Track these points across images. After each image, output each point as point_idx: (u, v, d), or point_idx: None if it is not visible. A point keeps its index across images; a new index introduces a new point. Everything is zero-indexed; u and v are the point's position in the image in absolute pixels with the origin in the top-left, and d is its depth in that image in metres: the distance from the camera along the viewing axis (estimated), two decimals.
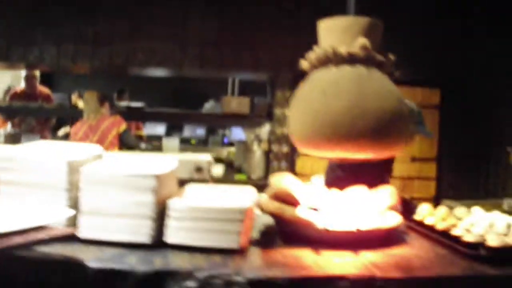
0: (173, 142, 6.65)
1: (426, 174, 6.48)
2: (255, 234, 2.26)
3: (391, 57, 2.25)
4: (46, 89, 7.97)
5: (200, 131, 9.32)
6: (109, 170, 2.06)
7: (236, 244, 1.97)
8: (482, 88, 6.38)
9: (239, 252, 1.98)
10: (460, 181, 6.46)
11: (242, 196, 2.20)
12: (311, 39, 2.39)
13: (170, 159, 2.33)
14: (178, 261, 1.87)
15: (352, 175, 3.15)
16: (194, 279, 1.77)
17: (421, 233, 2.39)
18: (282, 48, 6.18)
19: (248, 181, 5.92)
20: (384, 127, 2.04)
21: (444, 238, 2.22)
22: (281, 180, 2.39)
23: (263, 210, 2.21)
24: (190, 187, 2.39)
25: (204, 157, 2.83)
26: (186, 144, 8.54)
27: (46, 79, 9.36)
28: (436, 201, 5.98)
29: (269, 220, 2.34)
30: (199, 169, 2.76)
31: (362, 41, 2.10)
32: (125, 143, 5.93)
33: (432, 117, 6.42)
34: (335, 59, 2.11)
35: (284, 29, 6.23)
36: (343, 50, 2.10)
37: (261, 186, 2.80)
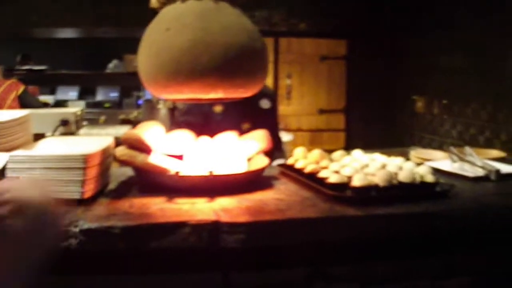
0: (78, 105, 6.44)
1: (335, 126, 6.46)
2: (113, 185, 2.14)
3: None
4: None
5: (114, 94, 9.03)
6: None
7: (78, 194, 1.83)
8: (388, 38, 6.37)
9: (83, 202, 1.84)
10: (369, 131, 6.48)
11: (94, 144, 2.05)
12: None
13: (22, 112, 2.17)
14: None
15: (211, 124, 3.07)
16: None
17: (291, 177, 2.29)
18: None
19: None
20: (232, 63, 1.91)
21: (310, 181, 2.13)
22: (145, 130, 2.25)
23: (115, 158, 2.07)
24: (46, 140, 2.22)
25: (71, 110, 2.67)
26: (99, 108, 8.29)
27: None
28: None
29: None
30: (65, 122, 2.59)
31: None
32: (26, 105, 5.66)
33: (338, 68, 6.39)
34: None
35: None
36: None
37: None
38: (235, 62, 1.92)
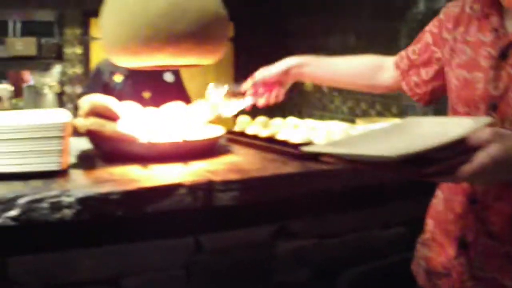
0: None
1: None
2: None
3: None
4: None
5: None
6: None
7: (57, 165, 1.77)
8: (275, 19, 6.50)
9: (61, 174, 1.78)
10: (258, 111, 6.59)
11: (54, 115, 1.97)
12: None
13: None
14: None
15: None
16: (15, 207, 1.55)
17: (244, 143, 2.35)
18: None
19: None
20: (206, 29, 1.94)
21: (270, 144, 2.20)
22: (94, 99, 2.18)
23: (78, 129, 2.01)
24: None
25: (3, 86, 2.54)
26: None
27: None
28: None
29: (82, 144, 2.17)
30: None
31: None
32: None
33: (226, 50, 6.46)
34: None
35: None
36: None
37: None
38: (208, 28, 1.94)
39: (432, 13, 1.66)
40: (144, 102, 2.39)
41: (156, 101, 2.54)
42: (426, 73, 1.73)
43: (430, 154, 1.11)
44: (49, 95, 5.82)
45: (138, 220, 1.75)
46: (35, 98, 5.96)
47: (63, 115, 1.92)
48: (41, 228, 1.63)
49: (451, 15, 1.62)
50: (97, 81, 3.58)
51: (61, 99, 5.93)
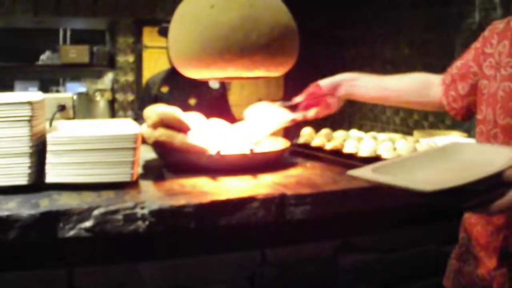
0: None
1: None
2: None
3: None
4: None
5: (33, 89, 8.70)
6: None
7: (128, 176, 1.77)
8: (327, 28, 6.47)
9: (131, 185, 1.78)
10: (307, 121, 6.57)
11: (124, 125, 1.98)
12: None
13: (33, 93, 2.05)
14: (67, 201, 1.60)
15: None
16: (90, 218, 1.55)
17: (309, 155, 2.33)
18: None
19: None
20: (278, 41, 1.93)
21: (336, 157, 2.17)
22: (162, 110, 2.18)
23: (147, 140, 2.01)
24: (60, 123, 2.10)
25: (67, 94, 2.58)
26: None
27: None
28: None
29: (147, 155, 2.17)
30: (62, 107, 2.51)
31: None
32: None
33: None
34: None
35: None
36: None
37: None
38: (280, 41, 1.94)
39: (487, 24, 1.70)
40: (190, 109, 2.40)
41: (202, 107, 2.55)
42: (462, 88, 1.76)
43: (466, 187, 1.17)
44: (101, 103, 5.89)
45: (205, 233, 1.74)
46: (87, 105, 6.04)
47: (132, 126, 1.92)
48: (108, 239, 1.63)
49: (496, 32, 1.66)
50: (148, 95, 3.70)
51: (113, 107, 6.00)
